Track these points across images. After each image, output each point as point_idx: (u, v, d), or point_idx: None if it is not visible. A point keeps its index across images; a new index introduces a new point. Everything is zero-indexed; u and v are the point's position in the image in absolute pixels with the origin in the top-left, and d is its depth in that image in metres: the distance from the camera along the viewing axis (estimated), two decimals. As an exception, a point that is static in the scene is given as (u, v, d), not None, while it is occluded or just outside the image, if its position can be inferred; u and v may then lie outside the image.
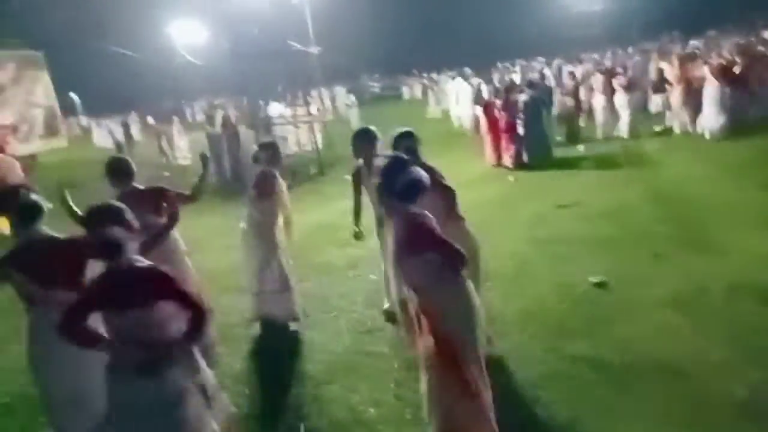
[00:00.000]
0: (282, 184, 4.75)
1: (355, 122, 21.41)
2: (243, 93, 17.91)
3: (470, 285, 2.97)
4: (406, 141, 3.93)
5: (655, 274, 4.96)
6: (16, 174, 8.61)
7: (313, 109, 15.03)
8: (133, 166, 4.08)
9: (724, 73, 10.35)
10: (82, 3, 31.46)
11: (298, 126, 14.11)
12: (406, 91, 36.50)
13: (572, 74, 14.43)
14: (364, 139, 4.46)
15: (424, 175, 2.86)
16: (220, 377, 3.28)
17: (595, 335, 4.06)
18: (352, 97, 22.95)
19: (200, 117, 28.17)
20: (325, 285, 5.71)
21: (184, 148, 16.62)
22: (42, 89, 18.05)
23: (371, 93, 40.08)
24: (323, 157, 12.57)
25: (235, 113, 16.51)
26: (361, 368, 4.08)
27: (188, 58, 18.83)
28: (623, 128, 11.89)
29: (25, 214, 3.07)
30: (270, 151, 4.81)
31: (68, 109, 28.25)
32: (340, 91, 26.29)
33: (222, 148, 11.91)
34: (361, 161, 4.49)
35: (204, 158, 4.32)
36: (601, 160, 9.95)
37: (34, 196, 3.12)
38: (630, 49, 24.64)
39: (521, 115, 10.48)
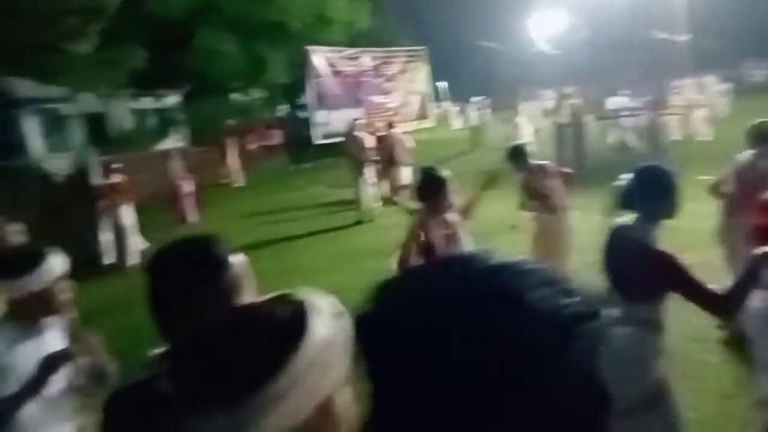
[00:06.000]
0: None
1: (725, 114, 18.71)
2: (595, 83, 17.76)
3: None
4: None
5: None
6: (404, 148, 9.80)
7: (678, 100, 13.74)
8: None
9: None
10: (461, 4, 35.69)
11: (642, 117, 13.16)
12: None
13: None
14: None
15: None
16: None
17: None
18: (725, 86, 20.04)
19: (550, 105, 28.86)
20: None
21: (528, 135, 17.46)
22: (421, 79, 21.55)
23: (751, 83, 33.77)
24: (671, 155, 11.54)
25: (582, 103, 16.45)
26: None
27: (543, 49, 19.59)
28: None
29: None
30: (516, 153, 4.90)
31: (437, 95, 32.64)
32: (710, 80, 23.05)
33: (567, 138, 12.20)
34: None
35: None
36: None
37: None
38: None
39: None
